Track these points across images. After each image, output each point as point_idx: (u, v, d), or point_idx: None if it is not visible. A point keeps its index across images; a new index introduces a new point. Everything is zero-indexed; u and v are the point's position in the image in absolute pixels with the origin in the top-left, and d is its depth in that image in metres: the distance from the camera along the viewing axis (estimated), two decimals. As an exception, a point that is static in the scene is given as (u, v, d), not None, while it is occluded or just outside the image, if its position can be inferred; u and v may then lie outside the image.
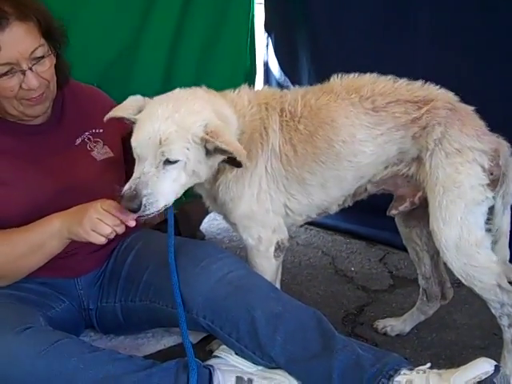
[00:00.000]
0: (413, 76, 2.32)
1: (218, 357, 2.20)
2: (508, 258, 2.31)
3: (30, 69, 2.10)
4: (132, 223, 2.03)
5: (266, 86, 3.87)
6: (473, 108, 2.27)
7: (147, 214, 1.98)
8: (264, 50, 4.26)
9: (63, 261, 2.23)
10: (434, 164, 2.19)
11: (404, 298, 3.06)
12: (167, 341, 2.56)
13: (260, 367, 2.13)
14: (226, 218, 2.40)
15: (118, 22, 3.26)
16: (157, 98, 2.11)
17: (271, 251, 2.35)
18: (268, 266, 2.37)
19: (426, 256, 2.58)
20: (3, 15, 2.03)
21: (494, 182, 2.19)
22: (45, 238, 2.13)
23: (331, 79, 2.33)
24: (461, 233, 2.16)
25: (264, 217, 2.30)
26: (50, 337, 1.97)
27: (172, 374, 1.99)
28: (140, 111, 2.08)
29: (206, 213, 3.55)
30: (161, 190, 1.97)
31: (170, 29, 3.51)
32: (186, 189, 2.08)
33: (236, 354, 2.17)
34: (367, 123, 2.22)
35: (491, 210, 2.20)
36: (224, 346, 2.21)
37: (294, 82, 3.92)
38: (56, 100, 2.31)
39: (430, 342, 2.68)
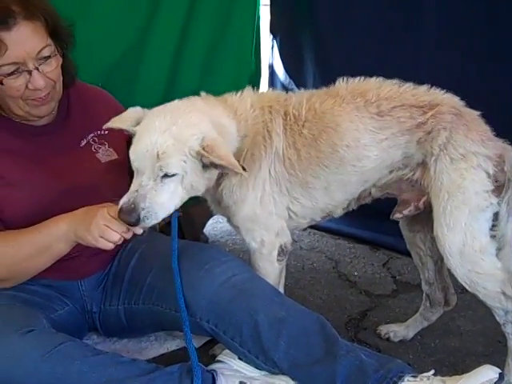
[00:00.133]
0: (418, 79, 2.31)
1: (221, 361, 2.19)
2: None
3: (37, 69, 2.09)
4: (139, 231, 2.02)
5: (271, 89, 3.87)
6: (478, 113, 2.26)
7: (146, 226, 1.99)
8: (269, 53, 4.25)
9: (67, 263, 2.23)
10: (439, 169, 2.18)
11: (407, 304, 3.05)
12: (170, 344, 2.56)
13: (263, 372, 2.13)
14: (229, 220, 2.40)
15: (123, 23, 3.26)
16: (155, 110, 2.11)
17: (274, 255, 2.34)
18: (271, 270, 2.36)
19: (430, 261, 2.57)
20: (11, 14, 2.03)
21: (499, 188, 2.18)
22: (51, 240, 2.12)
23: (337, 83, 2.33)
24: (465, 239, 2.16)
25: (267, 220, 2.30)
26: (53, 339, 1.97)
27: (175, 379, 1.98)
28: (138, 123, 2.08)
29: (210, 216, 3.55)
30: (159, 203, 1.97)
31: (175, 30, 3.51)
32: (184, 200, 2.07)
33: (239, 358, 2.16)
34: (372, 128, 2.21)
35: (496, 216, 2.19)
36: (227, 351, 2.20)
37: (298, 85, 3.92)
38: (61, 101, 2.31)
39: (433, 348, 2.67)
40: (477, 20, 3.15)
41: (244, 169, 2.11)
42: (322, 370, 2.02)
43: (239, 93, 2.32)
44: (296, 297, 2.79)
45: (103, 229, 2.02)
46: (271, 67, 4.28)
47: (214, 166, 2.03)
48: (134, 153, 2.01)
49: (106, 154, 2.38)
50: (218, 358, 2.23)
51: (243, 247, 3.38)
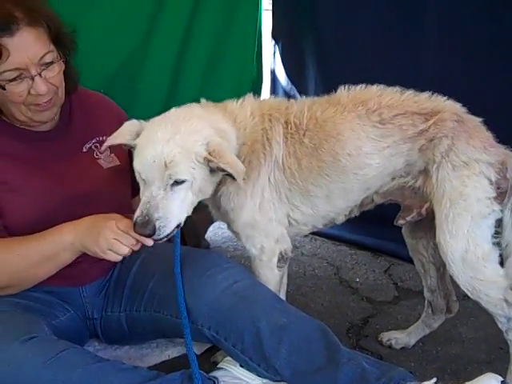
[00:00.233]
0: (420, 85, 2.31)
1: (223, 369, 2.19)
2: None
3: (39, 74, 2.09)
4: (150, 242, 2.01)
5: (272, 96, 3.88)
6: (480, 119, 2.27)
7: (162, 238, 1.99)
8: (271, 59, 4.26)
9: (68, 269, 2.22)
10: (441, 177, 2.18)
11: (409, 310, 3.05)
12: (171, 351, 2.55)
13: (265, 380, 2.12)
14: (229, 226, 2.40)
15: (125, 30, 3.28)
16: (154, 121, 2.10)
17: (274, 261, 2.34)
18: (271, 277, 2.36)
19: (432, 268, 2.57)
20: (14, 20, 2.03)
21: (502, 195, 2.18)
22: (57, 249, 2.12)
23: (338, 91, 2.32)
24: (467, 246, 2.15)
25: (267, 226, 2.29)
26: (54, 346, 1.96)
27: (177, 386, 1.98)
28: (138, 135, 2.07)
29: (211, 222, 3.55)
30: (171, 211, 1.97)
31: (177, 36, 3.52)
32: (194, 206, 2.08)
33: (241, 365, 2.16)
34: (374, 136, 2.21)
35: (500, 223, 2.19)
36: (228, 358, 2.20)
37: (300, 91, 3.94)
38: (64, 107, 2.31)
39: (435, 355, 2.66)
40: (478, 25, 3.15)
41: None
42: (324, 377, 2.01)
43: (240, 100, 2.32)
44: (297, 303, 2.79)
45: (112, 242, 2.02)
46: (273, 73, 4.29)
47: (221, 170, 2.03)
48: (140, 164, 2.00)
49: (107, 160, 2.38)
50: (220, 366, 2.23)
51: (245, 253, 3.36)
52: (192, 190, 2.02)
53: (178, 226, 2.03)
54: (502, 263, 2.21)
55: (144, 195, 1.99)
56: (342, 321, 2.96)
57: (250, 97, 2.34)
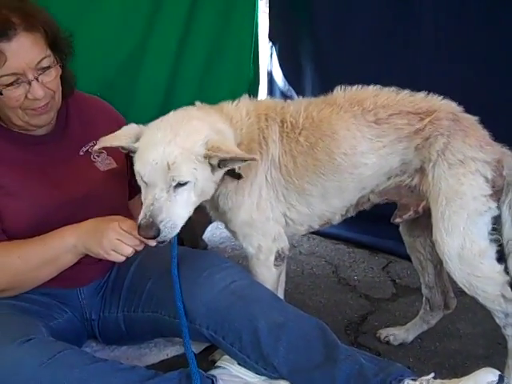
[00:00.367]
0: (417, 86, 2.32)
1: (221, 367, 2.19)
2: None
3: (36, 79, 2.09)
4: (152, 243, 2.01)
5: (268, 97, 3.90)
6: (476, 118, 2.27)
7: (166, 240, 2.00)
8: (268, 60, 4.26)
9: (66, 271, 2.22)
10: (437, 175, 2.19)
11: (407, 307, 3.06)
12: (170, 351, 2.54)
13: (263, 377, 2.13)
14: (226, 226, 2.41)
15: (122, 34, 3.28)
16: (153, 124, 2.11)
17: (271, 260, 2.35)
18: (268, 275, 2.37)
19: (430, 265, 2.58)
20: (11, 26, 2.03)
21: (498, 193, 2.19)
22: (59, 252, 2.13)
23: (334, 91, 2.34)
24: (464, 243, 2.16)
25: (264, 225, 2.30)
26: (52, 348, 1.96)
27: (175, 385, 1.98)
28: (137, 139, 2.08)
29: (209, 222, 3.56)
30: (175, 213, 1.98)
31: (174, 38, 3.52)
32: (196, 206, 2.09)
33: (239, 364, 2.16)
34: (370, 136, 2.22)
35: (497, 220, 2.20)
36: (226, 356, 2.20)
37: (297, 92, 3.95)
38: (60, 110, 2.31)
39: (433, 351, 2.68)
40: (476, 27, 3.17)
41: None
42: (322, 374, 2.02)
43: (235, 101, 2.33)
44: (296, 301, 2.79)
45: (116, 243, 2.03)
46: (270, 74, 4.29)
47: (223, 162, 2.03)
48: (142, 167, 2.00)
49: (105, 162, 2.38)
50: (218, 364, 2.23)
51: (242, 253, 3.35)
52: (194, 190, 2.03)
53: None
54: (499, 260, 2.22)
55: (147, 198, 1.99)
56: (340, 318, 2.97)
57: (245, 98, 2.36)
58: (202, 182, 2.03)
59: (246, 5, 3.87)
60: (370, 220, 3.18)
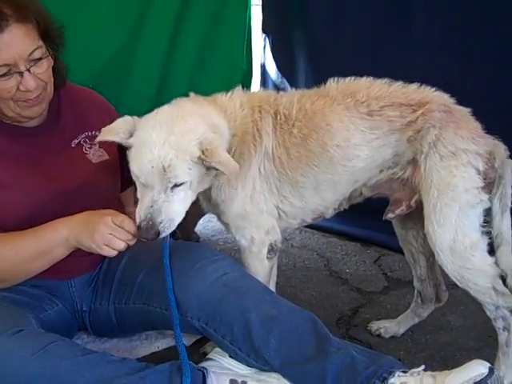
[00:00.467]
0: (409, 77, 2.32)
1: (212, 359, 2.19)
2: None
3: (28, 70, 2.08)
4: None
5: (262, 89, 3.89)
6: (468, 110, 2.27)
7: (165, 237, 2.03)
8: (261, 52, 4.25)
9: (57, 262, 2.21)
10: (429, 167, 2.18)
11: (398, 300, 3.06)
12: (161, 343, 2.55)
13: (254, 370, 2.13)
14: (219, 218, 2.40)
15: (114, 25, 3.26)
16: (148, 120, 2.08)
17: (264, 252, 2.34)
18: (261, 268, 2.37)
19: (422, 258, 2.58)
20: (3, 17, 2.02)
21: (490, 185, 2.19)
22: (52, 245, 2.13)
23: (327, 83, 2.33)
24: (455, 235, 2.16)
25: (257, 217, 2.30)
26: (42, 339, 1.96)
27: (165, 377, 1.97)
28: (131, 134, 2.06)
29: (201, 215, 3.55)
30: (173, 212, 2.00)
31: (167, 30, 3.51)
32: (193, 200, 2.11)
33: (230, 356, 2.16)
34: (363, 128, 2.22)
35: (488, 212, 2.20)
36: (218, 349, 2.20)
37: (291, 83, 3.94)
38: (52, 102, 2.30)
39: (424, 343, 2.68)
40: (468, 19, 3.16)
41: None
42: (314, 367, 2.02)
43: (229, 93, 2.32)
44: (287, 295, 2.79)
45: (108, 238, 2.04)
46: (263, 67, 4.28)
47: (214, 168, 2.04)
48: (138, 169, 2.00)
49: (97, 154, 2.37)
50: (209, 356, 2.24)
51: (234, 246, 3.37)
52: (191, 189, 2.04)
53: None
54: (490, 252, 2.22)
55: (145, 199, 2.00)
56: (331, 311, 2.97)
57: (239, 89, 2.35)
58: (197, 180, 2.04)
59: (239, -3, 3.86)
60: (361, 213, 3.18)
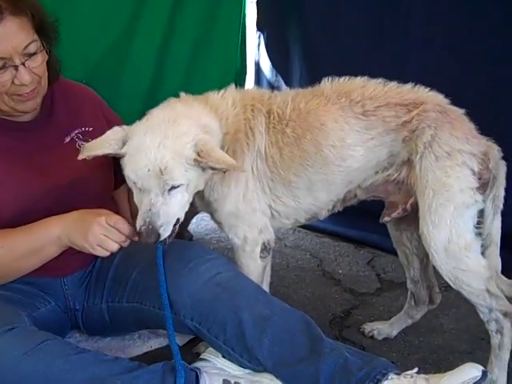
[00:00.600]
0: (404, 76, 2.32)
1: (205, 359, 2.19)
2: (500, 267, 2.28)
3: (23, 64, 2.07)
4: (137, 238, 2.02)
5: (255, 87, 3.88)
6: (463, 110, 2.27)
7: (165, 239, 2.02)
8: (255, 50, 4.25)
9: (50, 260, 2.20)
10: (424, 167, 2.18)
11: (391, 302, 3.06)
12: (154, 343, 2.54)
13: (247, 370, 2.12)
14: (213, 217, 2.40)
15: (108, 20, 3.26)
16: (139, 127, 2.07)
17: (257, 252, 2.34)
18: (254, 267, 2.36)
19: (416, 259, 2.58)
20: None
21: (484, 186, 2.19)
22: (44, 243, 2.11)
23: (322, 82, 2.33)
24: (450, 236, 2.16)
25: (250, 216, 2.29)
26: (35, 337, 1.94)
27: (158, 377, 1.96)
28: (124, 143, 2.05)
29: (194, 213, 3.54)
30: (172, 214, 2.00)
31: (161, 27, 3.50)
32: (190, 201, 2.11)
33: (223, 356, 2.15)
34: (357, 128, 2.22)
35: (481, 213, 2.20)
36: (211, 349, 2.20)
37: (285, 82, 3.94)
38: (45, 97, 2.28)
39: (417, 345, 2.67)
40: (464, 20, 3.16)
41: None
42: (306, 368, 2.01)
43: (221, 91, 2.32)
44: (280, 295, 2.78)
45: (102, 239, 2.03)
46: (257, 64, 4.27)
47: (211, 168, 2.04)
48: (133, 174, 1.99)
49: None
50: (202, 356, 2.23)
51: (228, 245, 3.37)
52: (188, 190, 2.04)
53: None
54: (483, 254, 2.23)
55: (143, 203, 1.99)
56: (324, 312, 2.96)
57: (231, 88, 2.35)
58: (194, 181, 2.04)
59: (234, -6, 3.86)
60: (355, 214, 3.16)
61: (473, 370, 1.94)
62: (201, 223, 4.03)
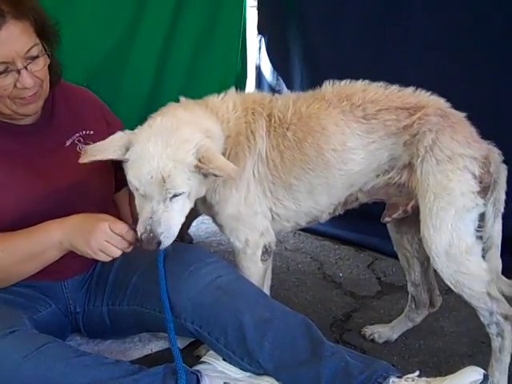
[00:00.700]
0: (405, 80, 2.32)
1: (206, 362, 2.18)
2: (500, 269, 2.29)
3: (25, 68, 2.07)
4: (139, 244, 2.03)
5: (256, 91, 3.88)
6: (464, 114, 2.27)
7: (166, 247, 2.02)
8: (256, 54, 4.25)
9: (50, 264, 2.20)
10: (425, 171, 2.18)
11: (392, 305, 3.06)
12: (154, 346, 2.54)
13: (248, 373, 2.12)
14: (214, 220, 2.40)
15: (109, 23, 3.26)
16: (142, 133, 2.06)
17: (258, 254, 2.34)
18: (255, 270, 2.36)
19: (417, 263, 2.58)
20: (0, 14, 2.00)
21: (485, 189, 2.19)
22: (45, 247, 2.11)
23: (323, 86, 2.33)
24: (451, 239, 2.16)
25: (252, 219, 2.29)
26: (35, 340, 1.94)
27: (159, 380, 1.96)
28: (127, 148, 2.05)
29: (195, 216, 3.54)
30: (173, 221, 2.01)
31: (162, 30, 3.51)
32: (191, 207, 2.11)
33: (224, 359, 2.15)
34: (358, 131, 2.22)
35: (482, 217, 2.20)
36: (212, 352, 2.19)
37: (286, 85, 3.94)
38: (46, 100, 2.28)
39: (417, 349, 2.67)
40: (464, 23, 3.16)
41: None
42: (307, 371, 2.01)
43: (221, 95, 2.32)
44: (281, 298, 2.78)
45: (105, 245, 2.03)
46: (258, 68, 4.28)
47: (213, 174, 2.04)
48: (137, 180, 2.00)
49: None
50: (203, 359, 2.22)
51: (228, 248, 3.37)
52: (189, 197, 2.04)
53: None
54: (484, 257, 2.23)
55: (144, 210, 2.00)
56: (325, 315, 2.96)
57: (232, 91, 2.35)
58: (195, 188, 2.05)
59: (234, -2, 3.86)
60: (355, 217, 3.17)
61: (474, 374, 1.94)
62: (201, 226, 4.02)
